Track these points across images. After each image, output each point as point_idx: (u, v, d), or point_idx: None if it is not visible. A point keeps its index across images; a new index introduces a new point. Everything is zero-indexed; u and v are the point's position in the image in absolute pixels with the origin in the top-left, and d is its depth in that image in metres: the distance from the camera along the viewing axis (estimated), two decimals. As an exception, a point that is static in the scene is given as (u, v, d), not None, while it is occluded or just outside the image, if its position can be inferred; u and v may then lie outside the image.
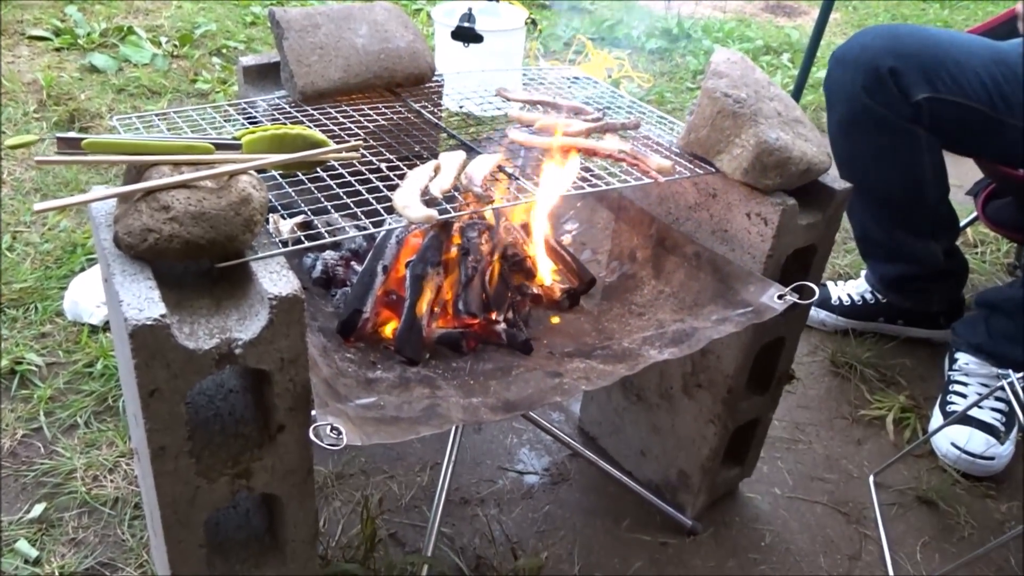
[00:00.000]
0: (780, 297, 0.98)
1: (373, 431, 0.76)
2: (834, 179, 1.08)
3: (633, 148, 1.06)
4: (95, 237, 0.81)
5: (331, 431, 0.71)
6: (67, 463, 1.28)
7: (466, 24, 2.52)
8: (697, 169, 1.06)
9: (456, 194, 0.92)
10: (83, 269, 1.66)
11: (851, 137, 1.44)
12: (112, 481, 1.26)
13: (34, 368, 1.43)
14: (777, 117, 1.04)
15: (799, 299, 0.98)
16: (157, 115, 1.04)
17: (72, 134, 0.76)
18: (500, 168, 0.99)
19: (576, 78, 1.43)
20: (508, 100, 1.21)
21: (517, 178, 0.97)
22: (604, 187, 1.00)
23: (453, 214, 0.88)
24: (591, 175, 1.01)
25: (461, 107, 1.28)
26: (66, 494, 1.23)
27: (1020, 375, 1.23)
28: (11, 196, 1.88)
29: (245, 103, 1.16)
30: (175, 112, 1.06)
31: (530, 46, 2.99)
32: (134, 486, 1.25)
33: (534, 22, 2.89)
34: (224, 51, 2.81)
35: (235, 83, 2.53)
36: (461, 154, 0.98)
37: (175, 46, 2.78)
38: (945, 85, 1.33)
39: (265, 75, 1.23)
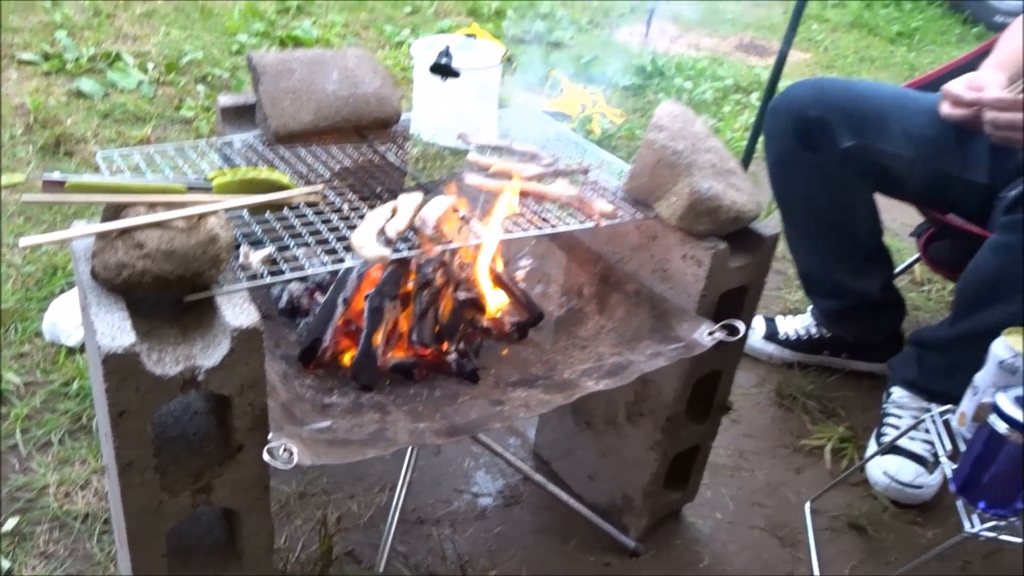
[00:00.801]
0: (710, 334, 1.07)
1: (323, 452, 0.83)
2: (764, 225, 1.17)
3: (580, 193, 1.15)
4: (75, 270, 0.88)
5: (283, 451, 0.79)
6: (40, 479, 1.33)
7: (443, 60, 2.62)
8: (637, 214, 1.15)
9: (410, 234, 1.00)
10: (63, 291, 1.72)
11: (787, 180, 1.55)
12: (83, 497, 1.32)
13: (12, 387, 1.49)
14: (711, 168, 1.13)
15: (727, 336, 1.07)
16: (139, 151, 1.12)
17: (57, 176, 0.84)
18: (454, 210, 1.07)
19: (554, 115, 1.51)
20: (469, 144, 1.30)
21: (468, 220, 1.06)
22: (550, 229, 1.08)
23: (405, 253, 0.96)
24: (539, 217, 1.10)
25: (433, 141, 1.37)
26: (39, 509, 1.29)
27: (941, 409, 1.32)
28: (-5, 218, 1.95)
29: (221, 142, 1.24)
30: (155, 149, 1.14)
31: (505, 82, 3.09)
32: (104, 502, 1.31)
33: (510, 59, 3.00)
34: (209, 79, 2.89)
35: (218, 111, 2.61)
36: (418, 196, 1.06)
37: (161, 72, 2.85)
38: (869, 134, 1.44)
39: (242, 114, 1.31)
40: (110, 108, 2.56)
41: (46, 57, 2.81)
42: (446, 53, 2.57)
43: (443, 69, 2.55)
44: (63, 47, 2.88)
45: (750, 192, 1.15)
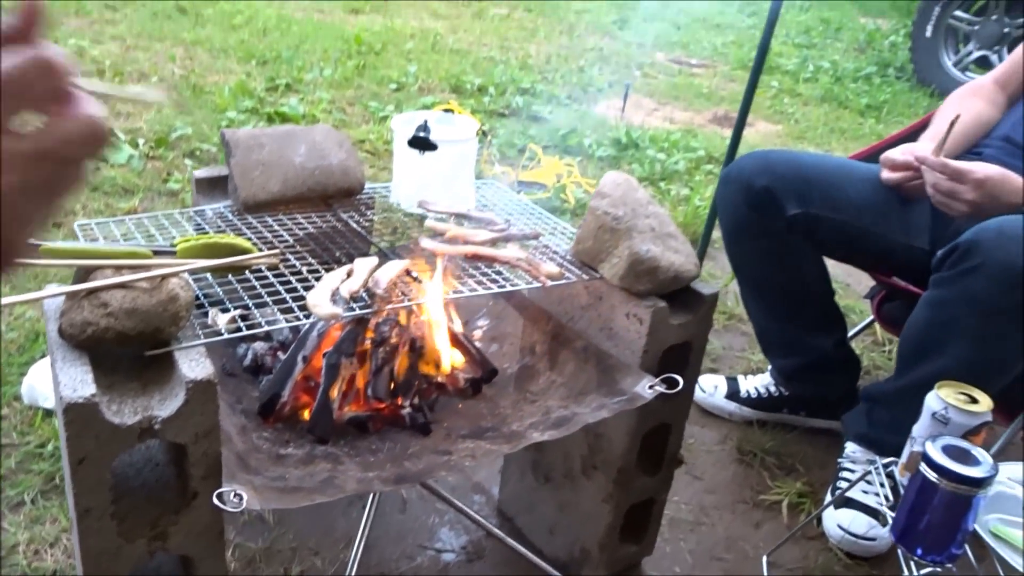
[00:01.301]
0: (651, 387, 1.13)
1: (273, 498, 0.88)
2: (703, 284, 1.25)
3: (529, 256, 1.22)
4: (46, 327, 0.94)
5: (234, 496, 0.84)
6: (11, 538, 1.37)
7: (421, 134, 2.74)
8: (584, 275, 1.22)
9: (364, 295, 1.07)
10: (43, 356, 1.78)
11: (739, 245, 1.64)
12: (52, 555, 1.35)
13: (-11, 448, 1.54)
14: (651, 232, 1.21)
15: (667, 389, 1.13)
16: (115, 222, 1.19)
17: (31, 241, 0.91)
18: (408, 272, 1.14)
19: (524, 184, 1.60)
20: (428, 211, 1.38)
21: (420, 281, 1.13)
22: (497, 289, 1.15)
23: (357, 312, 1.02)
24: (489, 279, 1.17)
25: (410, 211, 1.46)
26: (8, 567, 1.32)
27: (885, 461, 1.38)
28: (-18, 287, 2.02)
29: (195, 211, 1.32)
30: (132, 220, 1.22)
31: (484, 153, 3.21)
32: (72, 559, 1.34)
33: (485, 133, 3.13)
34: (197, 153, 3.00)
35: (204, 183, 2.71)
36: (374, 260, 1.13)
37: (152, 147, 2.97)
38: (815, 202, 1.53)
39: (215, 185, 1.39)
40: (100, 182, 2.66)
41: (41, 134, 2.92)
42: (424, 127, 2.68)
43: (421, 142, 2.66)
44: (57, 124, 2.99)
45: (688, 254, 1.23)
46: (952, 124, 1.44)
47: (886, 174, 1.57)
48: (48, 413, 1.62)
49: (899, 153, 1.55)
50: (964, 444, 1.19)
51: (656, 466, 1.36)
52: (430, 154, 2.95)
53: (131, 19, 4.56)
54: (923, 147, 1.52)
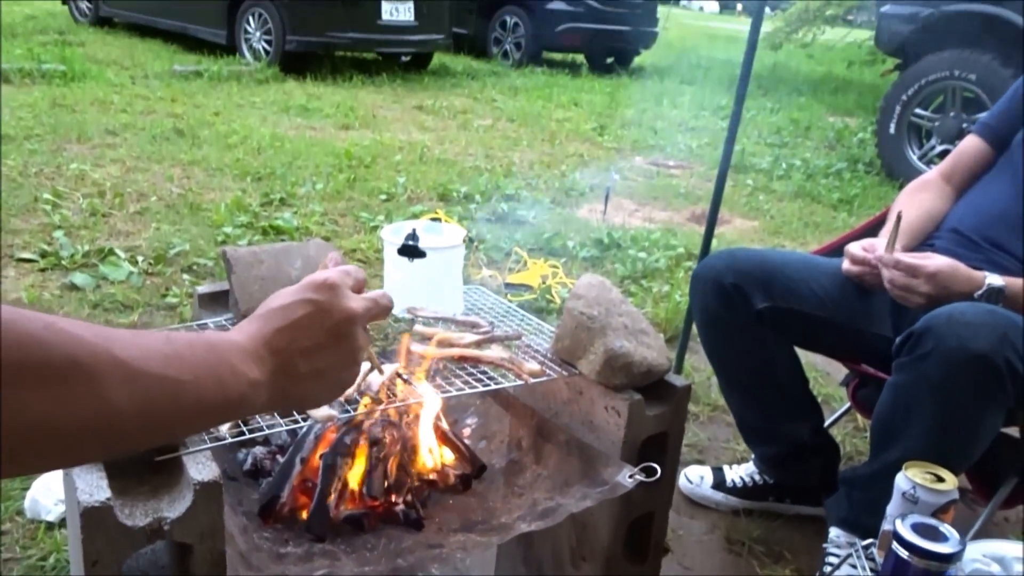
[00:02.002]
0: (631, 476, 1.19)
1: (274, 593, 0.93)
2: (676, 377, 1.33)
3: (512, 355, 1.30)
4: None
5: (237, 592, 0.89)
6: (13, 651, 1.39)
7: (410, 242, 2.86)
8: (563, 372, 1.30)
9: (357, 397, 1.14)
10: (46, 470, 1.82)
11: (711, 338, 1.73)
12: (54, 667, 1.37)
13: (-9, 563, 1.57)
14: (624, 329, 1.30)
15: (646, 477, 1.20)
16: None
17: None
18: (399, 375, 1.22)
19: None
20: (416, 316, 1.47)
21: (410, 383, 1.21)
22: (483, 388, 1.23)
23: (351, 414, 1.10)
24: (475, 378, 1.25)
25: (400, 316, 1.56)
26: None
27: (865, 543, 1.42)
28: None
29: (197, 324, 1.40)
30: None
31: (472, 258, 3.34)
32: (74, 671, 1.36)
33: (472, 239, 3.26)
34: (195, 267, 3.12)
35: (202, 297, 2.81)
36: (366, 364, 1.21)
37: (150, 264, 3.08)
38: (781, 295, 1.63)
39: (216, 300, 1.49)
40: (100, 298, 2.76)
41: (43, 255, 3.04)
42: (413, 236, 2.81)
43: (410, 250, 2.78)
44: (60, 245, 3.11)
45: (660, 348, 1.32)
46: (898, 222, 1.56)
47: (846, 265, 1.68)
48: (51, 526, 1.66)
49: (859, 248, 1.66)
50: (933, 522, 1.24)
51: (643, 555, 1.40)
52: (419, 261, 3.08)
53: (131, 143, 4.77)
54: (881, 243, 1.64)
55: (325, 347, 0.71)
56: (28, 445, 0.47)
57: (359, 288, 0.77)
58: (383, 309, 0.79)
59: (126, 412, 0.53)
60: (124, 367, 0.52)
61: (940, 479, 1.30)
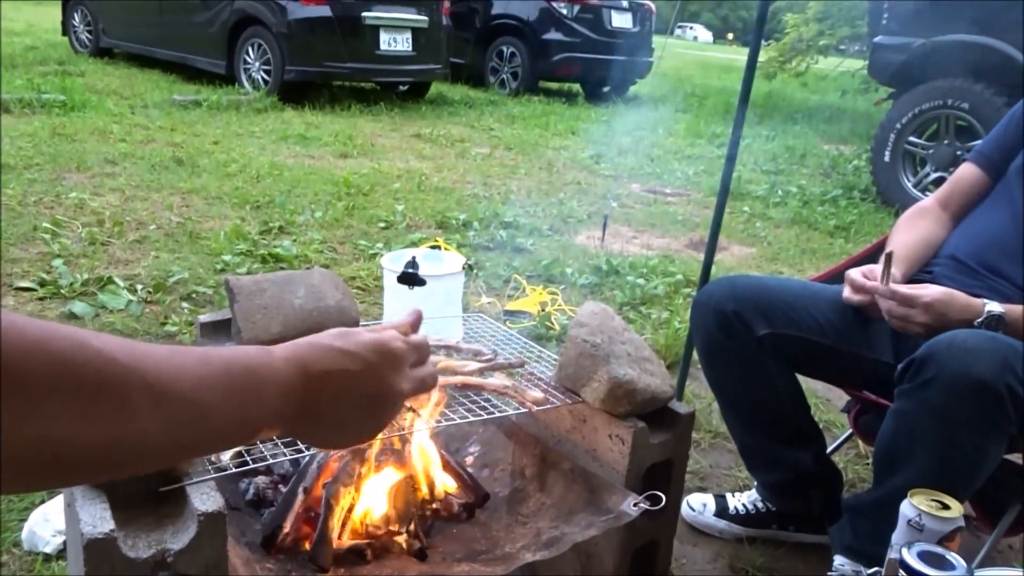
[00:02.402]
0: (635, 504, 1.19)
1: (279, 625, 0.92)
2: (680, 404, 1.33)
3: (515, 383, 1.30)
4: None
5: (242, 624, 0.88)
6: None
7: (410, 270, 2.87)
8: (567, 399, 1.30)
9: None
10: (43, 501, 1.81)
11: (712, 366, 1.73)
12: None
13: (-12, 596, 1.55)
14: (627, 357, 1.30)
15: (650, 505, 1.19)
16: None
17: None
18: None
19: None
20: (419, 345, 1.47)
21: (414, 411, 1.20)
22: (486, 416, 1.23)
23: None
24: (478, 407, 1.25)
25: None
26: None
27: (870, 571, 1.42)
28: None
29: (199, 353, 1.40)
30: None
31: (471, 285, 3.34)
32: None
33: (471, 266, 3.27)
34: (194, 296, 3.11)
35: (201, 325, 2.80)
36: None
37: (149, 292, 3.08)
38: (781, 322, 1.63)
39: (218, 329, 1.49)
40: (99, 327, 2.75)
41: (42, 284, 3.03)
42: (413, 264, 2.83)
43: (410, 278, 2.79)
44: (59, 274, 3.11)
45: (663, 376, 1.32)
46: (888, 260, 1.56)
47: (847, 293, 1.68)
48: (48, 558, 1.64)
49: (859, 274, 1.67)
50: (939, 549, 1.24)
51: (648, 585, 1.39)
52: (419, 289, 3.08)
53: (130, 172, 4.79)
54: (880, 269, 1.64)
55: (357, 408, 0.71)
56: (49, 463, 0.48)
57: (422, 361, 0.78)
58: (426, 389, 0.80)
59: (151, 434, 0.53)
60: (153, 390, 0.53)
61: (945, 506, 1.30)
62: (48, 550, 1.65)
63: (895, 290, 1.52)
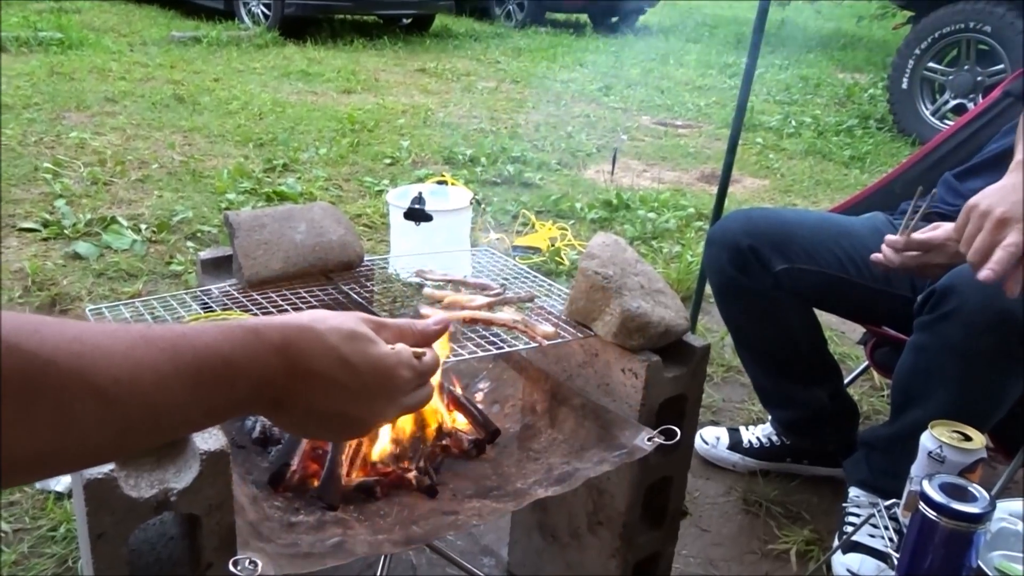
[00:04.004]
0: (649, 439, 1.16)
1: (286, 564, 0.91)
2: (695, 338, 1.29)
3: (525, 318, 1.26)
4: (62, 409, 0.98)
5: (248, 563, 0.86)
6: (26, 623, 1.38)
7: (416, 206, 2.82)
8: (578, 334, 1.26)
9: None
10: (53, 441, 1.80)
11: (727, 303, 1.68)
12: (67, 638, 1.36)
13: (0, 535, 1.55)
14: (640, 289, 1.26)
15: (665, 440, 1.16)
16: (125, 305, 1.24)
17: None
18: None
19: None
20: (425, 279, 1.43)
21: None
22: (496, 351, 1.19)
23: (361, 379, 1.06)
24: (487, 342, 1.21)
25: (408, 280, 1.53)
26: (23, 653, 1.33)
27: (887, 503, 1.39)
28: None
29: (201, 290, 1.37)
30: (140, 302, 1.26)
31: (479, 221, 3.29)
32: (87, 642, 1.34)
33: (479, 202, 3.21)
34: (199, 235, 3.08)
35: (206, 264, 2.77)
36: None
37: (153, 232, 3.04)
38: (798, 256, 1.58)
39: (219, 266, 1.45)
40: (104, 267, 2.72)
41: (45, 224, 3.00)
42: (419, 200, 2.77)
43: (416, 214, 2.74)
44: (62, 214, 3.07)
45: (677, 308, 1.28)
46: (917, 210, 1.43)
47: (888, 253, 1.49)
48: (60, 496, 1.64)
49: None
50: (961, 481, 1.21)
51: (660, 520, 1.37)
52: (426, 225, 3.03)
53: (130, 110, 4.70)
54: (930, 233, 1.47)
55: (330, 420, 0.66)
56: None
57: (423, 384, 0.72)
58: (414, 411, 0.77)
59: (102, 437, 0.49)
60: (101, 394, 0.48)
61: (967, 438, 1.27)
62: (59, 489, 1.65)
63: (909, 240, 1.41)
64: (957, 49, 5.16)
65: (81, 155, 3.83)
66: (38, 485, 1.67)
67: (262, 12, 7.71)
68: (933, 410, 1.38)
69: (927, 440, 1.29)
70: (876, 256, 1.47)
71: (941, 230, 1.42)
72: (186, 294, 1.33)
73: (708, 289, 2.45)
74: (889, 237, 1.42)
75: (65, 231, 2.95)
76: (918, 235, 1.41)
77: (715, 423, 2.07)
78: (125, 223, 3.05)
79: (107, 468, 0.84)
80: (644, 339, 1.22)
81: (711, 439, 1.94)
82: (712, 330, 2.59)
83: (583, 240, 3.31)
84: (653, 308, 1.23)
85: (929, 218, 1.61)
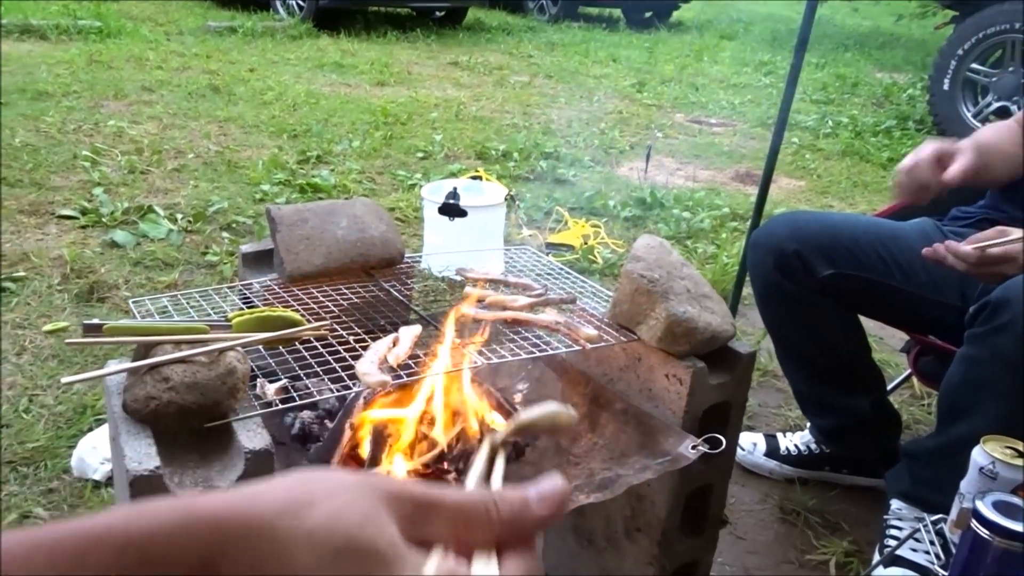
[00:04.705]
0: (694, 447, 1.14)
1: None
2: (740, 344, 1.26)
3: (567, 320, 1.25)
4: (107, 403, 0.98)
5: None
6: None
7: (451, 201, 2.81)
8: (621, 337, 1.24)
9: (410, 363, 1.09)
10: (91, 429, 1.82)
11: (770, 307, 1.65)
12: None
13: (40, 522, 1.57)
14: (686, 294, 1.23)
15: (709, 449, 1.14)
16: (167, 297, 1.24)
17: (95, 321, 0.96)
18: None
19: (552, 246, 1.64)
20: (466, 278, 1.42)
21: (464, 348, 1.15)
22: (539, 353, 1.18)
23: (405, 379, 1.05)
24: (529, 343, 1.20)
25: (443, 274, 1.51)
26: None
27: (934, 518, 1.36)
28: (31, 363, 2.08)
29: (242, 284, 1.36)
30: (182, 294, 1.26)
31: (512, 217, 3.27)
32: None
33: (513, 198, 3.19)
34: (234, 225, 3.09)
35: (241, 255, 2.78)
36: (417, 328, 1.16)
37: (189, 222, 3.06)
38: (845, 262, 1.54)
39: (261, 259, 1.44)
40: (141, 256, 2.74)
41: (83, 212, 3.03)
42: (453, 195, 2.76)
43: (451, 209, 2.73)
44: (100, 202, 3.10)
45: (724, 314, 1.25)
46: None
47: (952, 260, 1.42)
48: (97, 485, 1.65)
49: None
50: (1015, 499, 1.18)
51: (699, 527, 1.35)
52: (460, 220, 3.02)
53: (167, 100, 4.74)
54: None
55: None
56: None
57: None
58: None
59: None
60: None
61: (1021, 454, 1.23)
62: (97, 477, 1.66)
63: (983, 256, 1.35)
64: (1002, 50, 5.04)
65: (119, 143, 3.86)
66: (76, 473, 1.69)
67: (296, 3, 7.75)
68: (982, 424, 1.34)
69: (979, 455, 1.25)
70: (928, 250, 1.41)
71: (1018, 244, 1.35)
72: (227, 287, 1.33)
73: (746, 291, 2.42)
74: (958, 248, 1.36)
75: (103, 219, 2.98)
76: (994, 250, 1.35)
77: (750, 428, 2.04)
78: (161, 212, 3.07)
79: (153, 464, 0.83)
80: (689, 345, 1.20)
81: (747, 445, 1.91)
82: (747, 332, 2.56)
83: (616, 238, 3.28)
84: (700, 313, 1.21)
85: (980, 225, 1.57)
